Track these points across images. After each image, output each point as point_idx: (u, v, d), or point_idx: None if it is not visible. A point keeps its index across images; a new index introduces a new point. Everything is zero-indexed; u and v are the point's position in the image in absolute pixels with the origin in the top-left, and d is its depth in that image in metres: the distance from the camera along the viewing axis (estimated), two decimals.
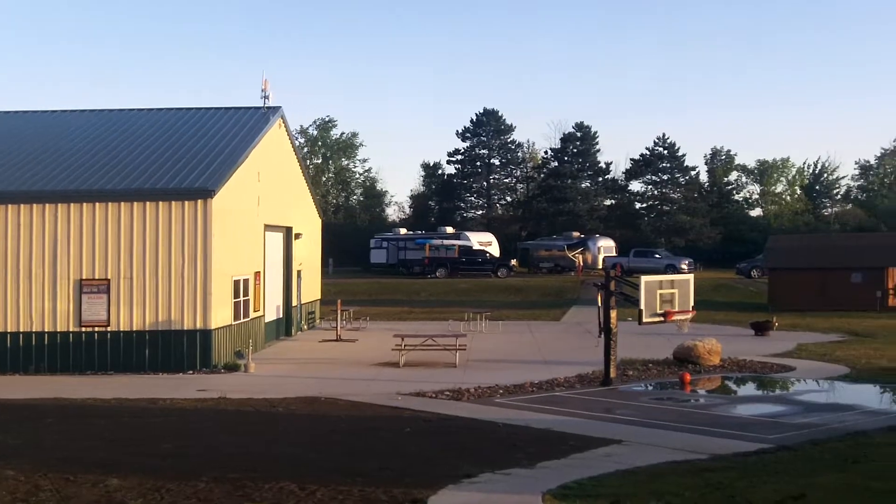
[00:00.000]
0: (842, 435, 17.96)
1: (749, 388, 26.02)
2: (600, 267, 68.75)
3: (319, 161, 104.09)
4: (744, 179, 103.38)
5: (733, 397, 25.18)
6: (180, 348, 28.13)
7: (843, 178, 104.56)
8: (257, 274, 33.09)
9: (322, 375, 26.79)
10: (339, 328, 37.09)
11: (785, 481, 14.00)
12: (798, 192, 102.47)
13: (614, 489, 13.56)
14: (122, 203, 28.49)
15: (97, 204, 28.54)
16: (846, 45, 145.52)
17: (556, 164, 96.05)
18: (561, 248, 76.48)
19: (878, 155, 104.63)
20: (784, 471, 14.83)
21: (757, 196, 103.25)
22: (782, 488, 13.48)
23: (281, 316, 37.37)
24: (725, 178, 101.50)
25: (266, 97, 36.57)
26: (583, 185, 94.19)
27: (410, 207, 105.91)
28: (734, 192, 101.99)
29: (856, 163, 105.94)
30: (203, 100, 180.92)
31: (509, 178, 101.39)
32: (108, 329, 28.30)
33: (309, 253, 41.86)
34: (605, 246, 77.09)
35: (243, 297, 31.32)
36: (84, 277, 28.43)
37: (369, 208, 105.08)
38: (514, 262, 75.00)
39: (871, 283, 49.14)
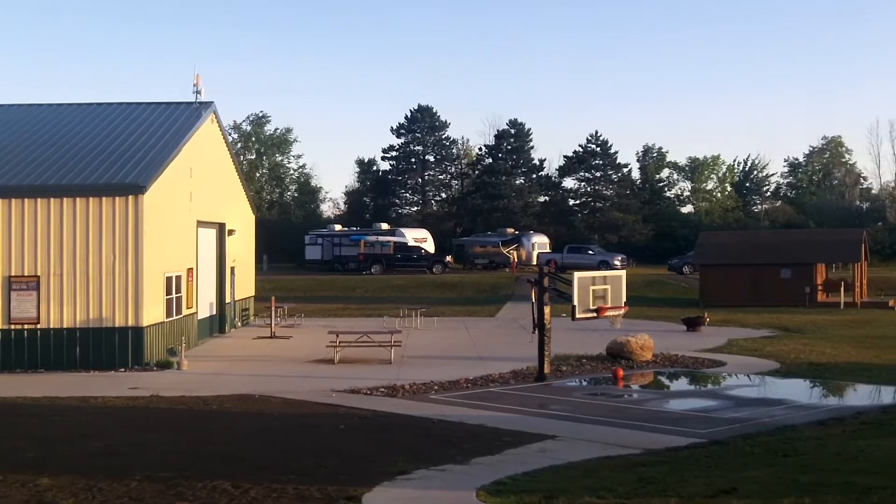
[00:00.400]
0: (772, 429, 18.25)
1: (681, 383, 26.32)
2: (534, 263, 69.07)
3: (253, 157, 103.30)
4: (675, 177, 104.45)
5: (666, 392, 25.46)
6: (112, 346, 27.78)
7: (773, 175, 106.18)
8: (190, 270, 32.79)
9: (256, 373, 26.64)
10: (273, 325, 36.88)
11: (716, 475, 14.19)
12: (728, 189, 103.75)
13: (548, 484, 13.64)
14: (52, 199, 28.06)
15: (26, 199, 28.08)
16: (775, 43, 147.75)
17: (490, 160, 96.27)
18: (496, 244, 76.71)
19: (807, 153, 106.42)
20: (715, 465, 15.04)
21: (688, 193, 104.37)
22: (714, 482, 13.66)
23: (214, 313, 37.07)
24: (657, 176, 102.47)
25: (198, 92, 36.21)
26: (517, 182, 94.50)
27: (345, 204, 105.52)
28: (666, 189, 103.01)
29: (785, 160, 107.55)
30: (135, 96, 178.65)
31: (444, 175, 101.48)
32: (38, 327, 27.86)
33: (242, 249, 41.56)
34: (540, 242, 77.46)
35: (176, 293, 31.01)
36: (13, 274, 27.96)
37: (304, 204, 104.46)
38: (449, 258, 75.06)
39: (800, 279, 49.96)
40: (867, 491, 12.81)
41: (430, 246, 77.26)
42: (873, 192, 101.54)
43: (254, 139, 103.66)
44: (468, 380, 24.80)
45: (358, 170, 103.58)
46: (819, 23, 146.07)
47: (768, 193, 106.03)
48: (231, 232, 38.53)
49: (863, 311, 46.46)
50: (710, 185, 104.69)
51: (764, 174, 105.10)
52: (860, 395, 23.51)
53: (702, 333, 36.72)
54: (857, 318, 42.48)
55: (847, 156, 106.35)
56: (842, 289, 49.72)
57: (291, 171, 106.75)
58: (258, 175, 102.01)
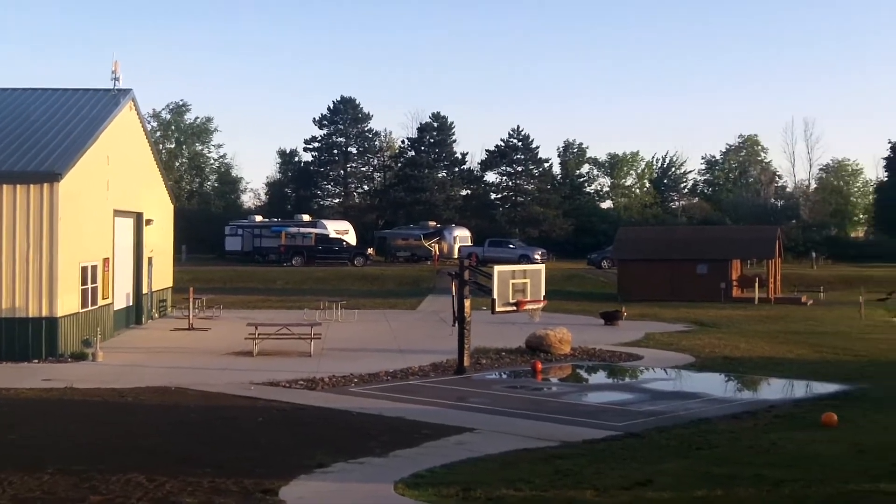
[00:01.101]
0: (686, 422, 18.53)
1: (599, 377, 26.60)
2: (456, 256, 69.29)
3: (173, 146, 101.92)
4: (595, 172, 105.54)
5: (583, 385, 25.71)
6: (25, 336, 27.23)
7: (690, 172, 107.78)
8: (106, 260, 32.27)
9: (173, 365, 26.32)
10: (191, 316, 36.49)
11: (632, 468, 14.38)
12: (647, 185, 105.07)
13: (466, 477, 13.71)
14: None
15: None
16: (694, 41, 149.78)
17: (412, 153, 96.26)
18: (418, 237, 76.75)
19: (724, 150, 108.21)
20: (631, 457, 15.23)
21: (608, 188, 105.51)
22: (629, 474, 13.85)
23: (131, 304, 36.55)
24: (577, 171, 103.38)
25: (116, 79, 35.60)
26: (439, 175, 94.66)
27: (266, 195, 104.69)
28: (586, 184, 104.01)
29: (702, 158, 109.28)
30: (52, 82, 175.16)
31: (366, 167, 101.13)
32: None
33: (161, 239, 41.02)
34: (461, 236, 77.70)
35: (91, 284, 30.50)
36: None
37: (224, 195, 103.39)
38: (371, 250, 74.96)
39: (716, 275, 50.74)
40: (778, 483, 13.09)
41: (351, 238, 77.03)
42: (788, 190, 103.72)
43: (173, 128, 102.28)
44: (388, 373, 24.79)
45: (279, 160, 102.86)
46: (737, 22, 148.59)
47: (686, 190, 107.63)
48: (149, 221, 38.01)
49: (776, 307, 47.35)
50: (629, 181, 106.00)
51: (682, 171, 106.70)
52: (773, 389, 23.97)
53: (619, 327, 37.13)
54: (771, 314, 43.27)
55: (763, 154, 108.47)
56: (756, 285, 50.63)
57: (212, 161, 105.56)
58: (178, 164, 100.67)
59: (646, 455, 15.43)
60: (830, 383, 23.70)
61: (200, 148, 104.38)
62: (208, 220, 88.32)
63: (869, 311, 44.69)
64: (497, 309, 25.29)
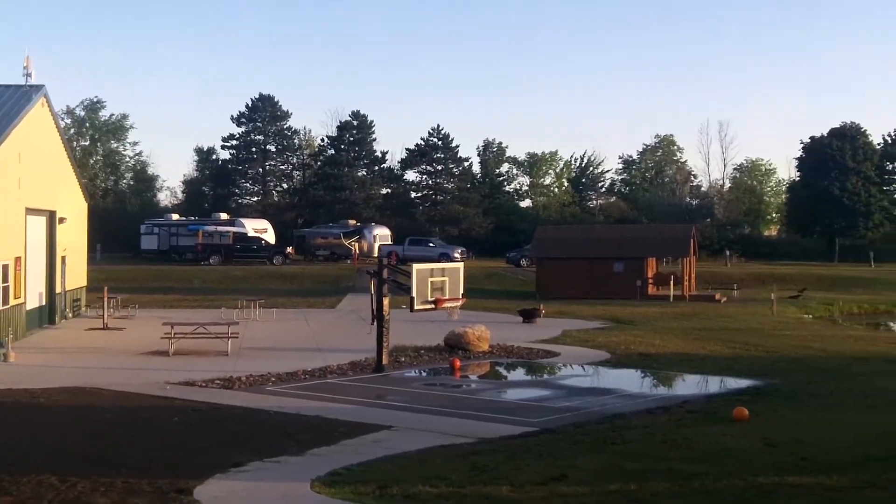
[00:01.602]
0: (601, 418, 18.76)
1: (516, 374, 26.79)
2: (376, 255, 69.19)
3: (87, 143, 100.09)
4: (514, 171, 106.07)
5: (501, 382, 25.88)
6: None
7: (608, 171, 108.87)
8: (17, 259, 31.67)
9: (87, 365, 25.92)
10: (106, 316, 35.97)
11: (548, 463, 14.52)
12: (565, 184, 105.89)
13: (383, 474, 13.74)
14: None
15: None
16: (611, 42, 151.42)
17: (332, 151, 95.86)
18: (337, 235, 76.45)
19: (640, 150, 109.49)
20: (547, 453, 15.38)
21: (527, 187, 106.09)
22: (545, 470, 13.99)
23: (44, 303, 35.90)
24: (497, 170, 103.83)
25: (28, 75, 34.91)
26: (359, 174, 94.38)
27: (183, 193, 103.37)
28: (505, 183, 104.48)
29: (619, 157, 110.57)
30: None
31: (285, 165, 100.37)
32: None
33: (74, 238, 40.35)
34: (381, 234, 77.57)
35: (2, 283, 29.94)
36: None
37: (140, 193, 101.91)
38: (290, 249, 74.51)
39: (632, 273, 51.39)
40: (690, 477, 13.32)
41: (270, 237, 76.48)
42: (703, 189, 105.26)
43: (88, 125, 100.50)
44: (306, 371, 24.70)
45: (197, 158, 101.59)
46: (653, 24, 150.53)
47: (603, 189, 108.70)
48: (62, 220, 37.38)
49: (691, 304, 48.10)
50: (547, 181, 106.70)
51: (599, 170, 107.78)
52: (687, 385, 24.34)
53: (537, 325, 37.43)
54: (686, 311, 43.95)
55: (678, 154, 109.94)
56: (671, 282, 51.38)
57: (127, 159, 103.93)
58: (92, 162, 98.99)
59: (561, 451, 15.59)
60: (742, 379, 24.16)
61: (115, 145, 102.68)
62: (124, 219, 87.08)
63: (781, 308, 45.65)
64: (416, 307, 25.37)
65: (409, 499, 12.38)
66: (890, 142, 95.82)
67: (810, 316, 47.54)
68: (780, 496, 12.11)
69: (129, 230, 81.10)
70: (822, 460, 14.09)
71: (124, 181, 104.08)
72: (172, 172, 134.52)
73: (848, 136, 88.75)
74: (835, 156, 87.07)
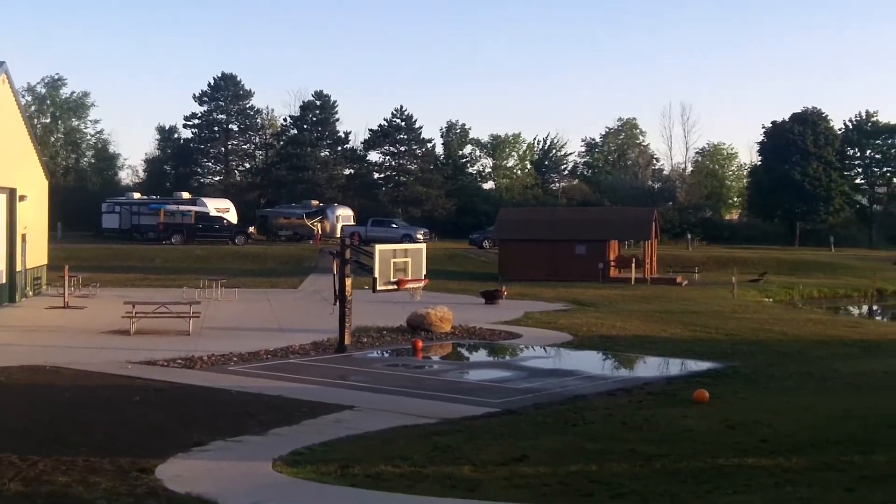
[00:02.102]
0: (563, 399, 18.84)
1: (478, 355, 26.86)
2: (339, 236, 69.04)
3: (48, 121, 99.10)
4: (477, 153, 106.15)
5: (463, 363, 25.94)
6: None
7: (571, 154, 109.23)
8: None
9: (48, 343, 25.72)
10: (66, 295, 35.69)
11: (509, 444, 14.59)
12: (528, 166, 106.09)
13: (345, 454, 13.75)
14: None
15: None
16: (574, 25, 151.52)
17: (295, 132, 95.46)
18: (300, 216, 76.21)
19: (603, 133, 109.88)
20: (509, 433, 15.44)
21: (490, 169, 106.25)
22: (506, 450, 14.05)
23: (4, 281, 35.57)
24: (460, 152, 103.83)
25: None
26: (322, 154, 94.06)
27: (145, 171, 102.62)
28: (468, 165, 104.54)
29: (582, 140, 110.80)
30: None
31: (248, 145, 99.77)
32: None
33: (35, 216, 39.95)
34: (344, 215, 77.40)
35: None
36: None
37: (101, 171, 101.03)
38: (252, 229, 74.24)
39: (594, 255, 51.61)
40: (651, 458, 13.42)
41: (232, 216, 76.13)
42: (665, 172, 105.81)
43: (49, 102, 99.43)
44: (268, 351, 24.63)
45: (159, 137, 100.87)
46: (616, 7, 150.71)
47: (566, 172, 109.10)
48: (23, 197, 37.00)
49: (653, 287, 48.38)
50: (510, 163, 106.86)
51: (562, 153, 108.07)
52: (648, 367, 24.52)
53: (500, 306, 37.52)
54: (647, 294, 44.20)
55: (641, 137, 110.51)
56: (633, 265, 51.66)
57: (88, 137, 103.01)
58: (53, 140, 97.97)
59: (523, 431, 15.66)
60: (703, 361, 24.37)
61: (77, 123, 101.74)
62: (85, 197, 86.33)
63: (741, 292, 46.06)
64: (378, 288, 25.34)
65: (371, 478, 12.40)
66: (851, 127, 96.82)
67: (770, 299, 48.03)
68: (739, 477, 12.23)
69: (91, 209, 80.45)
70: (781, 442, 14.24)
71: (85, 159, 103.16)
72: (134, 151, 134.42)
73: (809, 122, 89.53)
74: (796, 140, 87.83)
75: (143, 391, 19.05)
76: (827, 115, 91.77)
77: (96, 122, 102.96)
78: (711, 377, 21.77)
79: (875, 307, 51.68)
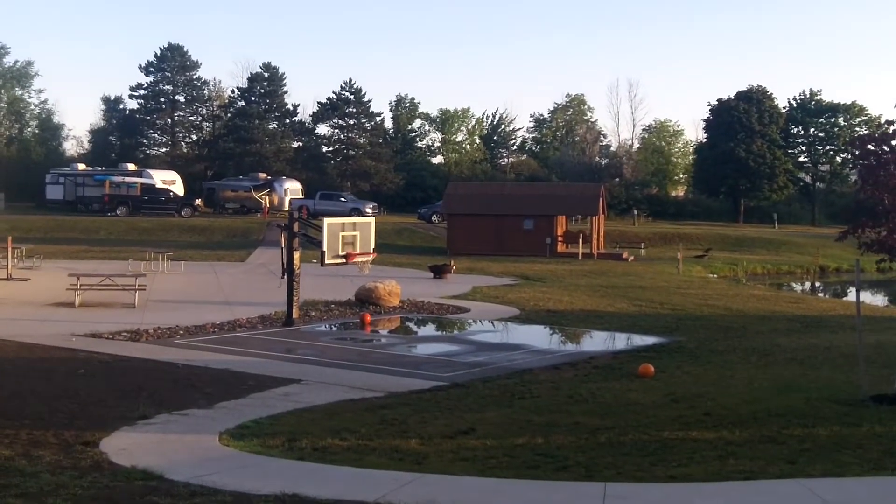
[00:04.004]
0: (510, 373, 18.97)
1: (426, 329, 26.91)
2: (287, 209, 68.76)
3: None
4: (427, 127, 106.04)
5: (411, 337, 25.99)
6: None
7: (519, 129, 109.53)
8: None
9: None
10: (9, 266, 35.20)
11: (456, 417, 14.68)
12: (477, 141, 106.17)
13: (291, 427, 13.76)
14: None
15: None
16: (525, 1, 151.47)
17: (242, 104, 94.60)
18: (247, 189, 75.75)
19: (551, 109, 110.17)
20: (455, 407, 15.53)
21: (439, 144, 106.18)
22: (453, 423, 14.14)
23: None
24: (409, 126, 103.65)
25: None
26: (270, 127, 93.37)
27: (90, 142, 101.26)
28: (417, 139, 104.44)
29: (531, 116, 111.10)
30: None
31: (195, 116, 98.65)
32: None
33: None
34: (292, 188, 77.01)
35: None
36: None
37: (45, 142, 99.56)
38: (199, 201, 73.68)
39: (542, 231, 51.87)
40: (595, 431, 13.56)
41: (179, 189, 75.45)
42: (612, 149, 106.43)
43: None
44: (215, 325, 24.51)
45: (104, 108, 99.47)
46: None
47: (514, 147, 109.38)
48: None
49: (599, 262, 48.74)
50: (459, 137, 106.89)
51: (511, 128, 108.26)
52: (593, 342, 24.67)
53: (448, 281, 37.60)
54: (594, 269, 44.49)
55: (589, 114, 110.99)
56: (580, 240, 51.98)
57: (32, 107, 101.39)
58: None
59: (470, 404, 15.75)
60: (648, 336, 24.61)
61: (20, 93, 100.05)
62: (28, 168, 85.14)
63: (686, 268, 46.54)
64: (326, 261, 25.29)
65: (318, 451, 12.41)
66: (795, 105, 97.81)
67: (715, 275, 48.61)
68: (683, 450, 12.38)
69: (34, 180, 79.38)
70: (724, 415, 14.43)
71: (29, 129, 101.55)
72: (79, 121, 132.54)
73: (754, 100, 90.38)
74: (741, 118, 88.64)
75: (88, 364, 18.90)
76: (772, 94, 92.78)
77: (40, 91, 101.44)
78: (656, 351, 22.01)
79: (817, 284, 52.45)
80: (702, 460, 11.82)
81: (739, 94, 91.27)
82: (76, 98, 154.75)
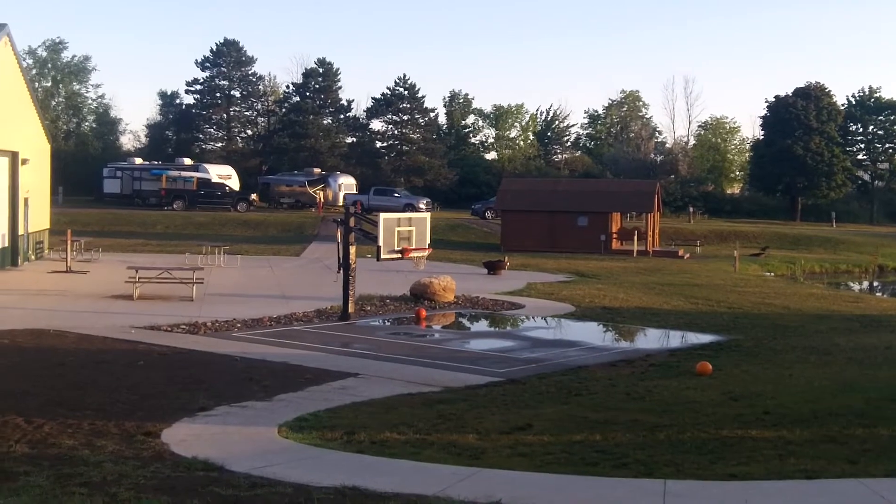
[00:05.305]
0: (565, 369, 18.89)
1: (481, 325, 26.87)
2: (341, 204, 69.04)
3: (49, 84, 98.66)
4: (480, 123, 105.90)
5: (466, 333, 25.97)
6: None
7: (573, 126, 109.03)
8: None
9: (51, 307, 25.74)
10: (69, 259, 35.70)
11: (512, 412, 14.64)
12: (531, 137, 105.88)
13: (349, 420, 13.80)
14: None
15: None
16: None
17: (297, 99, 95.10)
18: (302, 183, 76.12)
19: (606, 105, 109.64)
20: (512, 402, 15.49)
21: (492, 140, 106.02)
22: (510, 419, 14.11)
23: (6, 245, 35.57)
24: (463, 122, 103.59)
25: None
26: (324, 122, 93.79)
27: (147, 137, 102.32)
28: (471, 135, 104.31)
29: (585, 112, 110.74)
30: None
31: (250, 112, 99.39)
32: None
33: (37, 179, 39.89)
34: (346, 183, 77.31)
35: None
36: None
37: (102, 136, 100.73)
38: (254, 196, 74.16)
39: (596, 227, 51.64)
40: (653, 428, 13.47)
41: (234, 183, 76.03)
42: (667, 145, 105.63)
43: (50, 66, 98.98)
44: (272, 318, 24.67)
45: (160, 102, 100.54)
46: None
47: (568, 143, 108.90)
48: (24, 161, 36.94)
49: (654, 259, 48.43)
50: (513, 133, 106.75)
51: (565, 125, 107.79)
52: (649, 339, 24.50)
53: (502, 277, 37.55)
54: (649, 266, 44.23)
55: (644, 110, 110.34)
56: (635, 237, 51.67)
57: (89, 101, 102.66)
58: (54, 104, 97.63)
59: (526, 400, 15.71)
60: (705, 334, 24.38)
61: (78, 87, 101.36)
62: (86, 162, 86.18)
63: (743, 266, 46.09)
64: (382, 256, 25.36)
65: (376, 445, 12.44)
66: (854, 103, 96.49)
67: (772, 274, 48.07)
68: (742, 448, 12.27)
69: (92, 174, 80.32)
70: (783, 414, 14.29)
71: (86, 124, 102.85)
72: (135, 116, 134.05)
73: (812, 96, 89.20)
74: (799, 115, 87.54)
75: (147, 356, 19.10)
76: (830, 91, 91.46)
77: (98, 86, 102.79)
78: (713, 349, 21.81)
79: (876, 283, 51.71)
80: (762, 459, 11.71)
81: (797, 91, 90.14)
82: (133, 93, 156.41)
